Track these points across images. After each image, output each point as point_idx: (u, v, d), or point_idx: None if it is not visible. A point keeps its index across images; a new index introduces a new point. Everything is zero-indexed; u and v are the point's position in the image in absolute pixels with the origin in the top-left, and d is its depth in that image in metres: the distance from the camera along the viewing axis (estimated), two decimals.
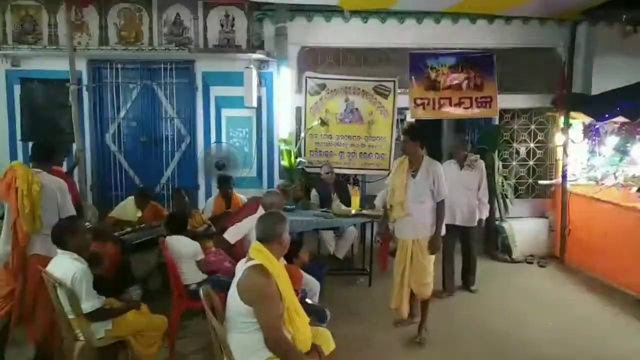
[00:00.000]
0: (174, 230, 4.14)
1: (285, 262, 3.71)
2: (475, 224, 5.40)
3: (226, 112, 6.81)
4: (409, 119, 7.17)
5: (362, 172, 6.99)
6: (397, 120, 7.01)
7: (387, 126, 6.88)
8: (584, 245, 6.28)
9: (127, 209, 5.46)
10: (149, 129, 6.82)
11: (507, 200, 6.88)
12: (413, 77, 6.92)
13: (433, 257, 4.23)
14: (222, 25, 6.78)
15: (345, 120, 6.87)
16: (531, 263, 6.67)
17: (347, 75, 6.88)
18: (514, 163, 7.21)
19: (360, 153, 6.91)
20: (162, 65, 6.73)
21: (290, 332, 2.69)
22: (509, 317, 4.87)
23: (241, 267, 2.70)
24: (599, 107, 6.02)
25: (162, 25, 6.72)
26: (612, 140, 6.18)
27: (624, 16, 6.57)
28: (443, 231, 4.22)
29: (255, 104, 6.52)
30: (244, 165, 6.71)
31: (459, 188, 5.16)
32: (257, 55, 6.58)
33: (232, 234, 4.22)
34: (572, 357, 4.08)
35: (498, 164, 6.88)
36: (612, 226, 5.69)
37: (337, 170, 6.59)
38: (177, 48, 6.62)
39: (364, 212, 5.74)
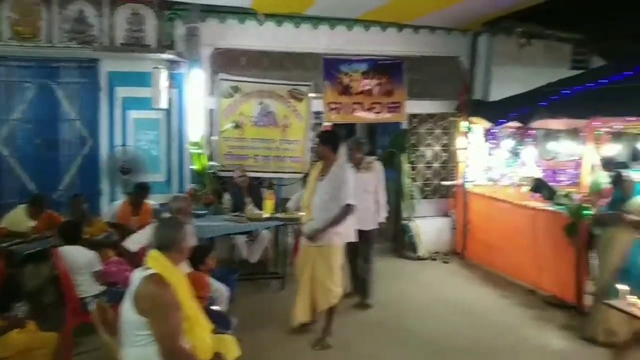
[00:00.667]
0: (68, 239, 3.89)
1: (191, 269, 3.64)
2: (374, 227, 5.18)
3: (133, 114, 6.51)
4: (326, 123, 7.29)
5: (276, 175, 6.99)
6: (314, 124, 7.10)
7: (302, 130, 6.95)
8: (483, 241, 6.74)
9: (17, 218, 5.02)
10: (46, 131, 6.33)
11: (414, 201, 7.21)
12: (327, 82, 7.07)
13: (338, 264, 4.24)
14: (130, 24, 6.48)
15: (260, 124, 6.85)
16: (435, 260, 7.05)
17: (261, 78, 6.87)
18: (421, 165, 7.57)
19: (275, 156, 6.91)
20: (63, 64, 6.30)
21: (190, 342, 2.62)
22: (413, 312, 5.12)
23: (137, 276, 2.60)
24: (495, 112, 6.48)
25: (63, 21, 6.28)
26: (508, 144, 6.68)
27: (519, 29, 7.16)
28: (347, 238, 4.27)
29: (164, 106, 6.29)
30: (153, 170, 6.45)
31: (355, 191, 4.56)
32: (167, 56, 6.36)
33: (133, 242, 4.04)
34: (470, 348, 4.36)
35: (406, 166, 7.20)
36: (507, 223, 6.15)
37: (251, 174, 6.54)
38: (79, 45, 6.23)
39: (278, 215, 5.75)
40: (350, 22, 6.93)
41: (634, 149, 5.17)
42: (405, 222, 7.23)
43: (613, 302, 3.56)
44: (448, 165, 7.62)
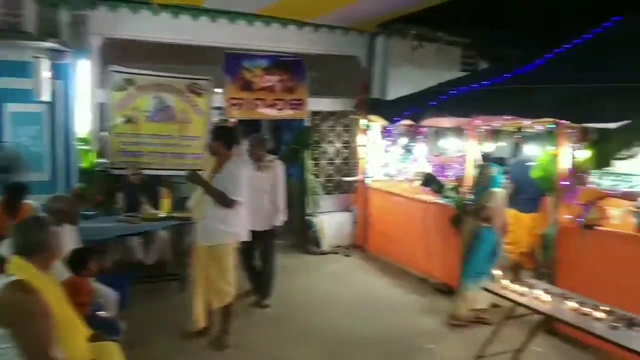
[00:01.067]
0: None
1: (71, 273, 3.40)
2: (268, 227, 5.00)
3: (11, 107, 5.92)
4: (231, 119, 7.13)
5: (176, 173, 6.72)
6: (222, 120, 6.94)
7: (203, 126, 6.77)
8: (381, 234, 7.03)
9: None
10: None
11: (317, 196, 7.33)
12: (228, 77, 6.94)
13: (230, 263, 4.16)
14: (4, 7, 5.88)
15: (155, 119, 6.56)
16: (337, 253, 7.24)
17: (158, 72, 6.58)
18: (324, 162, 7.72)
19: (174, 153, 6.66)
20: None
21: (64, 350, 2.44)
22: (314, 307, 5.21)
23: None
24: (391, 111, 6.76)
25: None
26: (402, 141, 7.02)
27: (412, 32, 7.54)
28: (240, 237, 4.22)
29: (47, 98, 5.79)
30: (34, 168, 5.91)
31: (253, 190, 4.59)
32: (50, 44, 5.85)
33: (7, 247, 3.67)
34: (367, 337, 4.52)
35: (309, 162, 7.30)
36: (402, 216, 6.48)
37: (148, 172, 6.25)
38: None
39: (175, 214, 5.55)
40: (250, 17, 6.85)
41: (515, 145, 5.67)
42: (309, 217, 7.34)
43: (489, 285, 3.88)
44: (349, 162, 7.84)
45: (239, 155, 4.90)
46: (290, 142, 7.78)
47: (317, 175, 7.53)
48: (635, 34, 4.82)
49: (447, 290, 5.51)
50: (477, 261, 4.56)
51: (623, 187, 4.03)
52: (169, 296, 5.41)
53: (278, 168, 5.11)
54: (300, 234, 7.44)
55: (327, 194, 7.64)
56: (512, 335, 3.91)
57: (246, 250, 4.88)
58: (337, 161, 7.83)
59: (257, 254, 5.14)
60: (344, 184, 7.82)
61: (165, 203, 5.68)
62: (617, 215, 4.00)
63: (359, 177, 7.57)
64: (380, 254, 7.03)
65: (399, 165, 6.93)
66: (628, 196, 4.37)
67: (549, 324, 4.17)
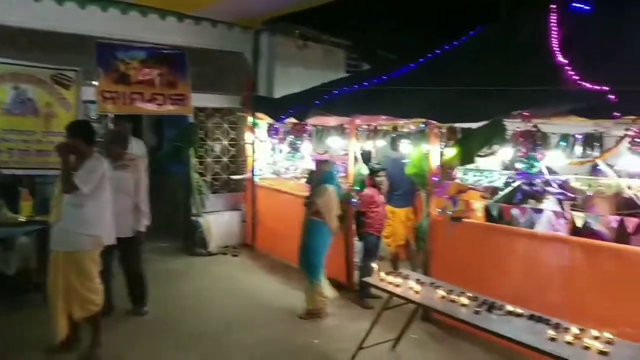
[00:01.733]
0: None
1: None
2: (131, 234, 4.56)
3: None
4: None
5: (40, 172, 6.05)
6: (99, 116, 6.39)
7: (71, 120, 6.16)
8: (270, 232, 7.01)
9: None
10: None
11: (203, 196, 7.10)
12: (101, 69, 6.42)
13: (94, 269, 3.84)
14: None
15: (15, 112, 5.85)
16: (225, 254, 7.07)
17: (16, 60, 5.87)
18: (210, 160, 7.49)
19: (37, 150, 5.99)
20: None
21: None
22: (196, 311, 5.02)
23: None
24: (278, 109, 6.75)
25: None
26: (289, 139, 7.04)
27: (297, 31, 7.61)
28: (103, 240, 3.89)
29: None
30: None
31: (113, 192, 4.07)
32: None
33: None
34: (251, 340, 4.44)
35: (194, 161, 7.03)
36: (289, 213, 6.48)
37: (5, 171, 5.55)
38: None
39: (37, 218, 5.00)
40: (124, 6, 6.40)
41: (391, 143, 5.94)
42: (195, 218, 7.07)
43: (368, 279, 4.03)
44: (237, 160, 7.71)
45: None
46: (173, 140, 7.43)
47: (203, 174, 7.29)
48: (497, 42, 5.35)
49: (334, 285, 5.63)
50: (319, 254, 4.81)
51: (485, 182, 4.44)
52: (33, 308, 4.86)
53: (140, 166, 4.68)
54: (186, 236, 7.15)
55: (214, 193, 7.43)
56: (392, 325, 4.11)
57: (110, 255, 4.47)
58: (224, 159, 7.65)
59: (119, 263, 4.74)
60: (232, 182, 7.67)
61: (26, 206, 5.11)
62: (479, 207, 4.39)
63: (246, 175, 7.46)
64: (269, 252, 7.01)
65: (286, 162, 6.95)
66: (488, 190, 4.82)
67: (424, 312, 4.46)
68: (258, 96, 7.35)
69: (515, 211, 4.31)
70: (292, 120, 6.31)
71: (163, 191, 7.12)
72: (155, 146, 8.44)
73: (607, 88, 3.55)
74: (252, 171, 7.31)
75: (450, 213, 4.56)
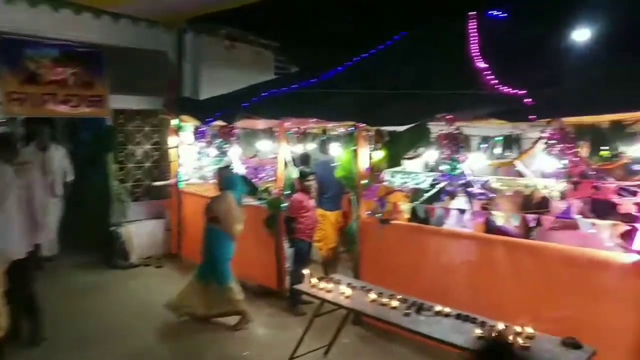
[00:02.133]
0: None
1: None
2: (27, 252, 3.93)
3: None
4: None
5: None
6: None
7: None
8: (197, 240, 6.64)
9: None
10: None
11: (124, 204, 6.68)
12: (6, 68, 5.86)
13: None
14: None
15: None
16: (149, 265, 6.69)
17: None
18: (131, 165, 7.08)
19: None
20: None
21: None
22: (112, 329, 4.68)
23: None
24: (204, 111, 6.50)
25: None
26: (216, 142, 6.80)
27: (223, 31, 7.39)
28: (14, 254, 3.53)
29: None
30: None
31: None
32: None
33: None
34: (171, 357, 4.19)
35: (113, 166, 6.60)
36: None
37: None
38: None
39: None
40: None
41: (320, 146, 5.92)
42: (115, 227, 6.63)
43: (299, 286, 3.93)
44: (160, 165, 7.34)
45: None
46: (90, 144, 6.94)
47: (123, 181, 6.86)
48: (421, 47, 5.48)
49: (266, 292, 5.50)
50: (223, 261, 4.77)
51: (411, 184, 4.50)
52: None
53: (33, 173, 4.20)
54: (105, 247, 6.67)
55: (135, 200, 7.02)
56: (324, 331, 4.03)
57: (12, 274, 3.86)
58: (147, 164, 7.25)
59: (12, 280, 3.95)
60: (155, 189, 7.28)
61: None
62: (406, 209, 4.44)
63: (171, 181, 7.12)
64: (196, 261, 6.66)
65: (213, 167, 6.69)
66: (413, 192, 4.89)
67: (355, 316, 4.43)
68: (183, 98, 7.07)
69: (440, 211, 4.40)
70: (220, 122, 6.11)
71: (80, 200, 6.63)
72: (69, 152, 7.84)
73: (523, 92, 3.71)
74: (177, 177, 6.98)
75: (379, 215, 4.58)
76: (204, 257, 4.90)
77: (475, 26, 5.37)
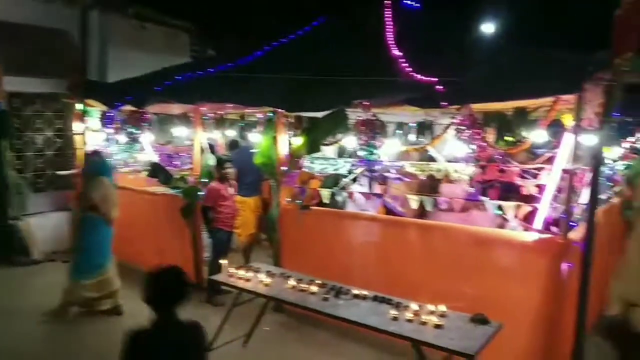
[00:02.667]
0: None
1: None
2: None
3: None
4: None
5: None
6: None
7: None
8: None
9: None
10: None
11: (23, 196, 6.11)
12: None
13: None
14: None
15: None
16: (54, 261, 6.19)
17: None
18: (30, 154, 6.48)
19: None
20: None
21: None
22: (15, 332, 4.28)
23: None
24: (112, 95, 6.07)
25: None
26: (126, 128, 6.40)
27: (132, 10, 6.94)
28: None
29: None
30: None
31: None
32: None
33: None
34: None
35: (9, 155, 6.00)
36: (131, 211, 5.90)
37: None
38: None
39: None
40: None
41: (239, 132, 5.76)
42: (13, 221, 6.05)
43: (216, 276, 3.82)
44: (65, 153, 6.79)
45: None
46: None
47: (21, 170, 6.26)
48: (339, 33, 5.48)
49: None
50: (89, 252, 4.62)
51: (330, 170, 4.52)
52: None
53: None
54: (2, 243, 6.08)
55: (37, 191, 6.44)
56: (245, 320, 3.95)
57: None
58: (49, 153, 6.66)
59: None
60: (60, 179, 6.73)
61: None
62: (325, 195, 4.45)
63: (77, 170, 6.60)
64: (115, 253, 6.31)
65: (124, 155, 6.30)
66: (327, 177, 4.92)
67: (275, 304, 4.39)
68: (89, 81, 6.55)
69: (358, 196, 4.47)
70: (130, 107, 5.75)
71: None
72: None
73: (435, 80, 3.83)
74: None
75: (299, 202, 4.56)
76: (79, 250, 4.67)
77: (390, 14, 5.49)
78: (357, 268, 4.04)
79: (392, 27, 5.27)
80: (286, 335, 4.30)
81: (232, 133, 5.90)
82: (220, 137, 5.62)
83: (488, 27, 4.21)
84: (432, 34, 4.79)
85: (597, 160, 3.16)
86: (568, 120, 3.27)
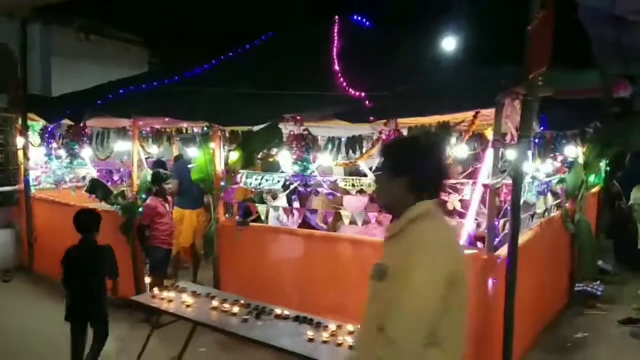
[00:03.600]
0: None
1: None
2: None
3: None
4: None
5: None
6: None
7: None
8: (51, 251, 6.09)
9: None
10: None
11: None
12: None
13: None
14: None
15: None
16: None
17: None
18: None
19: None
20: None
21: None
22: None
23: None
24: (54, 109, 5.92)
25: None
26: (67, 143, 6.21)
27: (77, 23, 6.79)
28: None
29: None
30: None
31: None
32: None
33: None
34: None
35: None
36: (72, 228, 5.73)
37: None
38: None
39: None
40: None
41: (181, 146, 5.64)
42: None
43: (138, 297, 3.70)
44: (7, 169, 6.57)
45: None
46: None
47: None
48: (284, 48, 5.47)
49: (126, 304, 5.11)
50: None
51: (266, 185, 4.43)
52: None
53: None
54: None
55: None
56: (179, 339, 3.82)
57: None
58: None
59: None
60: (1, 195, 6.50)
61: None
62: (262, 210, 4.37)
63: (19, 187, 6.39)
64: (51, 273, 6.08)
65: (64, 170, 6.11)
66: (270, 193, 4.85)
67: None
68: (30, 95, 6.36)
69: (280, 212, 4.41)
70: (69, 122, 5.60)
71: None
72: None
73: (364, 95, 3.81)
74: (26, 181, 6.28)
75: (237, 218, 4.46)
76: None
77: (338, 30, 5.49)
78: (287, 285, 3.97)
79: (338, 42, 5.27)
80: (223, 356, 4.17)
81: (171, 147, 5.80)
82: (160, 151, 5.47)
83: (437, 45, 4.26)
84: (376, 51, 4.80)
85: (517, 175, 3.16)
86: (489, 135, 3.26)
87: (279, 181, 4.19)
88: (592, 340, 4.42)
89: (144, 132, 5.23)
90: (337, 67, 4.63)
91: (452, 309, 1.52)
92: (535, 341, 4.27)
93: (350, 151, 3.96)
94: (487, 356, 3.30)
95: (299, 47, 5.32)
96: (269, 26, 6.32)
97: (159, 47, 8.27)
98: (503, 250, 3.29)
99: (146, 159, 5.38)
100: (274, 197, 4.31)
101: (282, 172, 4.25)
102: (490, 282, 3.25)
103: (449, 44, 4.94)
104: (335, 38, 5.35)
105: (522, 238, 3.77)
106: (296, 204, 4.49)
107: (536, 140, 3.92)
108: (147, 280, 3.70)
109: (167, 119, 4.86)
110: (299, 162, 4.01)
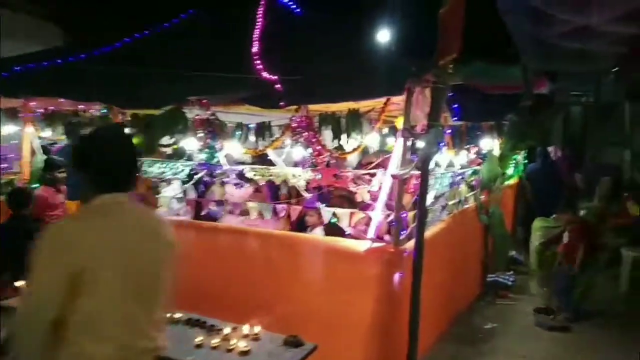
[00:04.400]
0: None
1: None
2: None
3: None
4: None
5: None
6: None
7: None
8: None
9: None
10: None
11: None
12: None
13: None
14: None
15: None
16: None
17: None
18: None
19: None
20: None
21: None
22: None
23: None
24: None
25: None
26: None
27: None
28: None
29: None
30: None
31: None
32: None
33: None
34: None
35: None
36: None
37: None
38: None
39: None
40: None
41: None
42: None
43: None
44: None
45: None
46: None
47: None
48: (202, 27, 5.09)
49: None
50: None
51: (169, 174, 4.09)
52: None
53: None
54: None
55: None
56: None
57: None
58: None
59: None
60: None
61: None
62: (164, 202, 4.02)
63: None
64: None
65: None
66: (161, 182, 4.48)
67: None
68: None
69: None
70: None
71: None
72: None
73: (275, 78, 3.55)
74: None
75: None
76: None
77: (264, 11, 5.17)
78: (187, 285, 3.65)
79: (261, 23, 4.97)
80: None
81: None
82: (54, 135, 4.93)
83: (366, 35, 4.09)
84: (301, 36, 4.53)
85: (424, 165, 3.05)
86: (399, 124, 3.12)
87: (183, 170, 3.86)
88: (501, 330, 4.48)
89: (36, 114, 4.67)
90: (255, 49, 4.34)
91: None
92: (446, 332, 4.26)
93: (260, 139, 3.70)
94: (394, 349, 3.20)
95: (220, 27, 4.99)
96: (194, 4, 5.91)
97: (74, 25, 7.62)
98: (411, 243, 3.18)
99: (50, 144, 4.83)
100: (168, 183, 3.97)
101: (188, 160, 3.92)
102: (396, 276, 3.13)
103: (380, 35, 4.80)
104: (260, 19, 5.05)
105: (432, 230, 3.71)
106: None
107: (449, 131, 3.84)
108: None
109: (61, 100, 4.36)
110: (206, 150, 3.71)
